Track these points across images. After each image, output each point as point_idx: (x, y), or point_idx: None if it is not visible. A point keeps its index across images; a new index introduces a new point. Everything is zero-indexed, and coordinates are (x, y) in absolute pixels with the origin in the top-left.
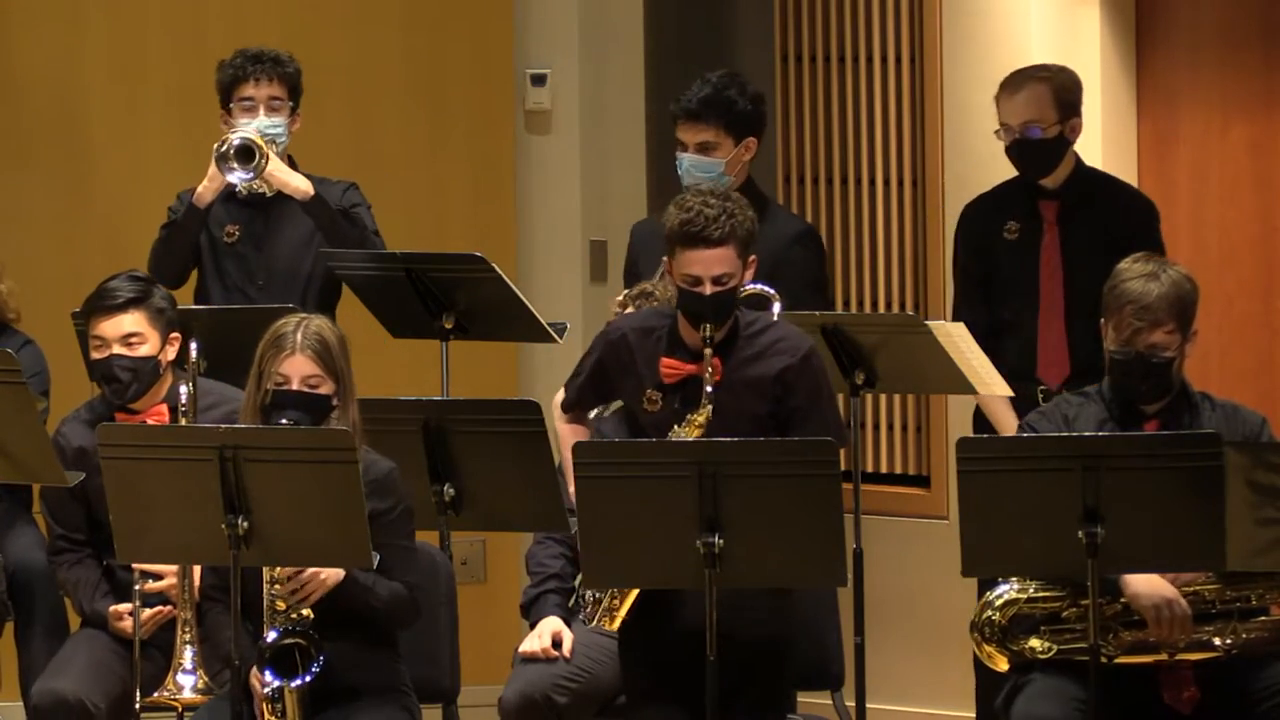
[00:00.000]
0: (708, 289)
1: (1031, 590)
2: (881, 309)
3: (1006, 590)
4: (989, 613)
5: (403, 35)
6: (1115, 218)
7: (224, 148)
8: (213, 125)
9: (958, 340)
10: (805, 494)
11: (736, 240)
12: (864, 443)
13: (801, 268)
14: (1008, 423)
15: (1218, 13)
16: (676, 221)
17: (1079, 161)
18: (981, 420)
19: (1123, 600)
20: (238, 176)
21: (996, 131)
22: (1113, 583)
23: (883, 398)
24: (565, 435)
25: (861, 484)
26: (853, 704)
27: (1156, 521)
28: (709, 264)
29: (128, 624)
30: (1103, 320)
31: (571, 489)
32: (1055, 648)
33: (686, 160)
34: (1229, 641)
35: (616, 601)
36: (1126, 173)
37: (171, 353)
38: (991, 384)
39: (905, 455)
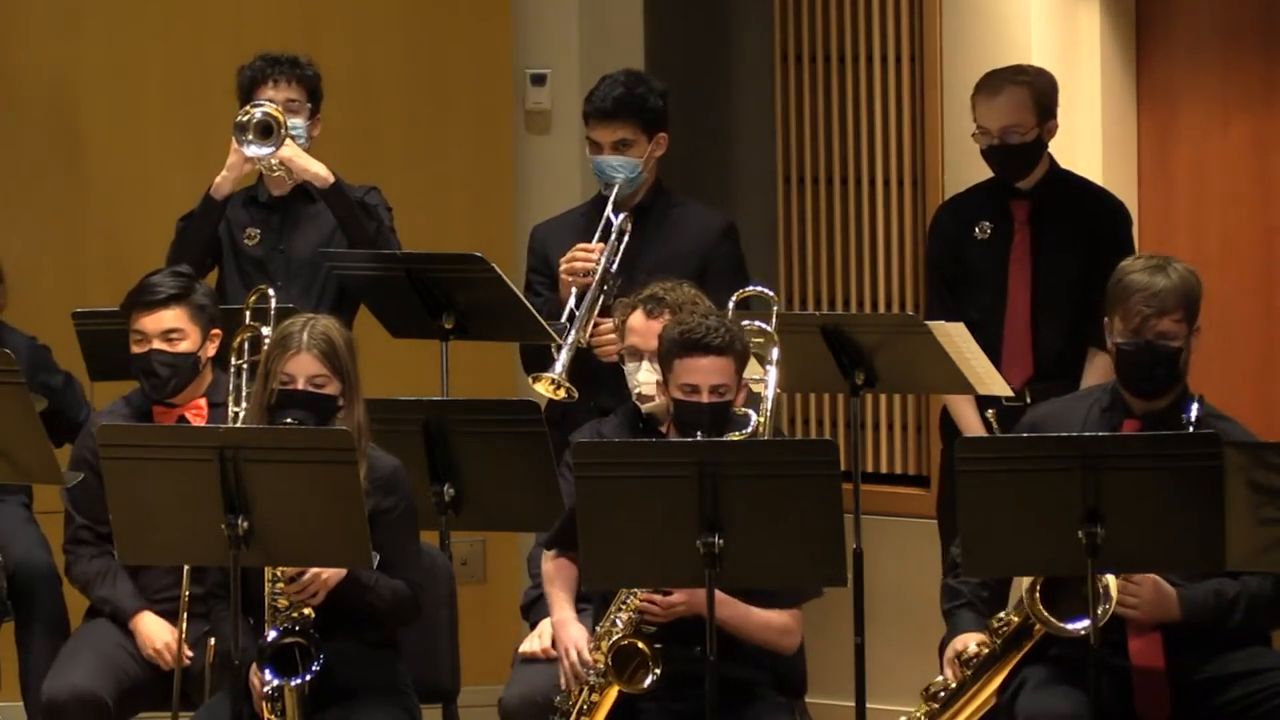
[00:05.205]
0: (705, 397)
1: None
2: (881, 309)
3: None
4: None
5: (403, 35)
6: (1087, 220)
7: (244, 119)
8: (212, 126)
9: (957, 340)
10: (805, 494)
11: (734, 354)
12: (864, 443)
13: (729, 260)
14: (971, 423)
15: (1218, 11)
16: (676, 332)
17: (1053, 162)
18: (949, 422)
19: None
20: (253, 150)
21: (974, 134)
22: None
23: (883, 398)
24: (550, 572)
25: (861, 484)
26: (851, 704)
27: (1156, 521)
28: (708, 373)
29: (162, 656)
30: (1106, 320)
31: (553, 615)
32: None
33: (606, 161)
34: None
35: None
36: (1126, 171)
37: (212, 349)
38: (991, 384)
39: (905, 455)
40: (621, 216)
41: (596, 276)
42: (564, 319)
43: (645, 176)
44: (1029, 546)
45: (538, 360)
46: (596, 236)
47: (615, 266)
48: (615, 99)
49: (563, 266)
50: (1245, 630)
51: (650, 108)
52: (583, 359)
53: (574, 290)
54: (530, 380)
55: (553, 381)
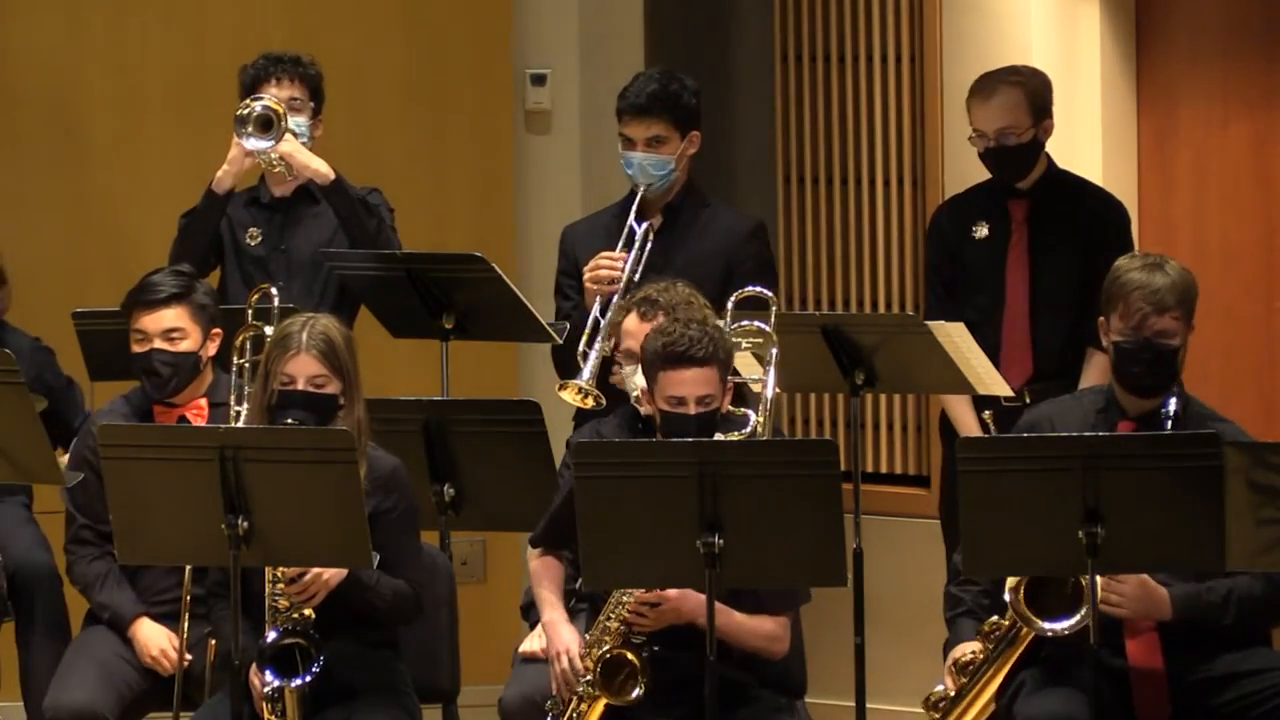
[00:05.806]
0: (692, 409)
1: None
2: (881, 309)
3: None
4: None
5: (403, 35)
6: (1085, 219)
7: (244, 111)
8: (212, 126)
9: (957, 340)
10: (805, 494)
11: (719, 363)
12: (864, 443)
13: (757, 261)
14: (968, 423)
15: (1218, 11)
16: (659, 344)
17: (1050, 162)
18: (949, 423)
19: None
20: (253, 143)
21: (970, 137)
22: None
23: (883, 398)
24: (537, 571)
25: (861, 484)
26: (851, 704)
27: (1156, 521)
28: (694, 384)
29: (161, 663)
30: (1101, 319)
31: (543, 615)
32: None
33: (637, 159)
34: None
35: None
36: (1126, 171)
37: (213, 348)
38: (992, 384)
39: (905, 455)
40: (645, 226)
41: (621, 285)
42: (587, 328)
43: (678, 175)
44: (1029, 546)
45: (570, 368)
46: (620, 244)
47: (639, 276)
48: (650, 94)
49: (587, 275)
50: (1241, 631)
51: (684, 105)
52: (607, 367)
53: (598, 298)
54: (556, 388)
55: (579, 390)
